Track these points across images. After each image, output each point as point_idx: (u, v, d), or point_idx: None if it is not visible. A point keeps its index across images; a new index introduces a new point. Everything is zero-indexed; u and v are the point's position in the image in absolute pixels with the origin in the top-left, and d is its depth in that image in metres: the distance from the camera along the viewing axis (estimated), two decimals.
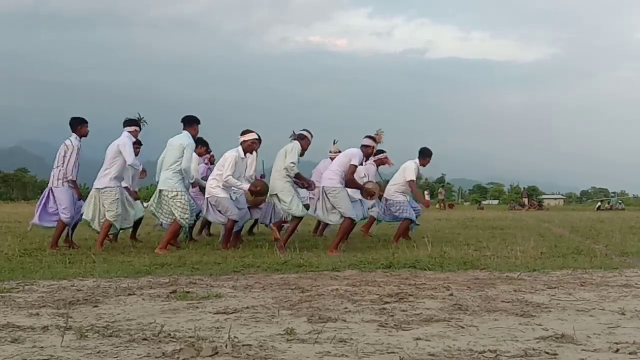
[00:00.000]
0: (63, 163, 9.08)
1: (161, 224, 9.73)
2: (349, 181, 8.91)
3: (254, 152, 9.58)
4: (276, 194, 9.13)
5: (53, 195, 9.15)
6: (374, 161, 11.55)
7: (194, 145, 9.13)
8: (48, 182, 9.38)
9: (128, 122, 9.52)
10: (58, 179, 9.11)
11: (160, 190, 8.89)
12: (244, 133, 9.27)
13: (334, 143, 11.29)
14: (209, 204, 9.21)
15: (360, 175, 11.02)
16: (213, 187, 9.09)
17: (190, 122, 9.15)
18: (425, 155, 10.98)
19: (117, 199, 9.08)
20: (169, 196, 8.81)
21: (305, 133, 9.36)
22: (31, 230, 10.59)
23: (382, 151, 11.71)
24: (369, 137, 9.26)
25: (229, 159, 9.02)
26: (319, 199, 9.03)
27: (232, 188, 9.13)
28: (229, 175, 8.91)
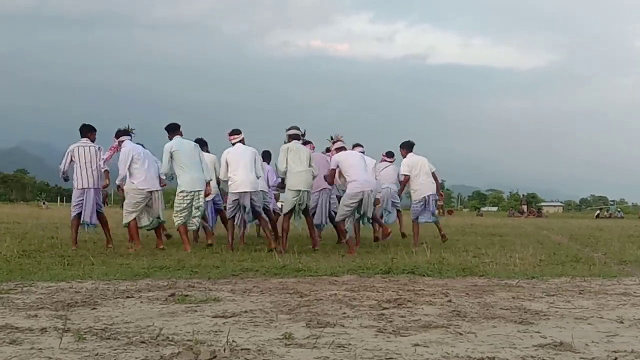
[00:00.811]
0: (97, 163, 9.62)
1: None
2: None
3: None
4: (308, 192, 9.59)
5: (97, 195, 9.71)
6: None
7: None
8: (84, 184, 9.57)
9: (122, 133, 9.81)
10: (98, 180, 9.67)
11: (198, 191, 9.48)
12: (238, 133, 9.87)
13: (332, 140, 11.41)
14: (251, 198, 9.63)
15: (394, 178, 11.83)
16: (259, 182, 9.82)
17: (176, 129, 9.63)
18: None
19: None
20: (201, 197, 9.50)
21: (296, 132, 9.75)
22: (32, 231, 10.63)
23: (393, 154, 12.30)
24: (337, 140, 10.14)
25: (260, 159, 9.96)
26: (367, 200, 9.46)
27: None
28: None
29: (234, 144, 9.75)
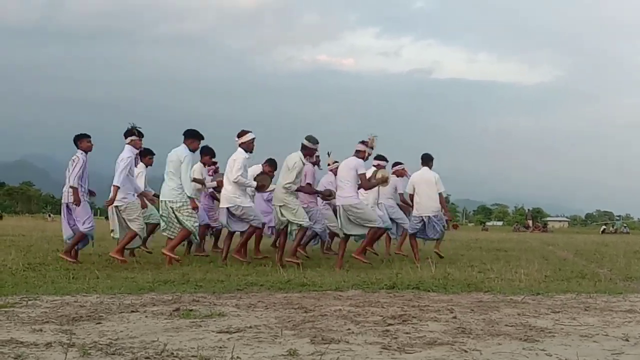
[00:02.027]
0: (68, 177, 9.21)
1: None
2: (371, 187, 9.57)
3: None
4: (281, 206, 9.24)
5: (69, 210, 9.30)
6: (393, 172, 11.76)
7: (190, 157, 9.16)
8: (61, 199, 9.46)
9: (125, 134, 9.57)
10: (67, 195, 9.24)
11: (165, 202, 9.06)
12: (241, 135, 9.45)
13: (328, 155, 11.06)
14: (230, 213, 9.38)
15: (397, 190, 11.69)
16: (237, 197, 9.31)
17: (188, 136, 9.28)
18: (432, 159, 10.99)
19: (138, 210, 9.29)
20: (175, 207, 8.97)
21: (304, 142, 9.36)
22: (37, 243, 10.65)
23: (399, 163, 11.99)
24: (362, 142, 9.38)
25: (237, 160, 9.28)
26: (339, 215, 9.30)
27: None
28: (239, 175, 9.22)
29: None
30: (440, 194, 10.60)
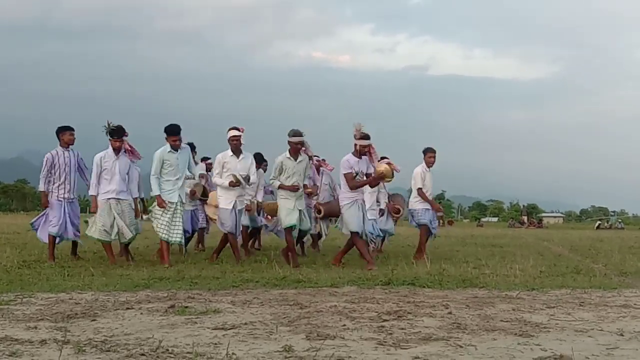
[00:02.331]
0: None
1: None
2: (355, 186, 8.79)
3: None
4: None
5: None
6: None
7: (159, 155, 8.78)
8: None
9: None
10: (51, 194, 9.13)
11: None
12: (227, 131, 9.29)
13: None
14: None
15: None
16: (218, 197, 9.36)
17: (165, 132, 8.91)
18: (424, 153, 10.64)
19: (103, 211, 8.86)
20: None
21: (288, 139, 9.16)
22: (32, 241, 10.64)
23: (384, 157, 11.83)
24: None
25: (215, 161, 9.38)
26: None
27: (245, 198, 9.54)
28: (215, 177, 9.27)
29: None
30: (419, 189, 10.39)
